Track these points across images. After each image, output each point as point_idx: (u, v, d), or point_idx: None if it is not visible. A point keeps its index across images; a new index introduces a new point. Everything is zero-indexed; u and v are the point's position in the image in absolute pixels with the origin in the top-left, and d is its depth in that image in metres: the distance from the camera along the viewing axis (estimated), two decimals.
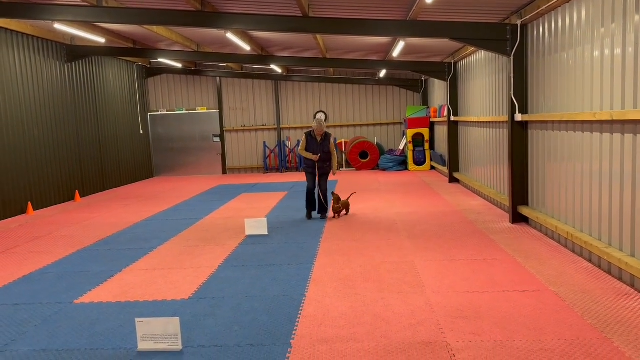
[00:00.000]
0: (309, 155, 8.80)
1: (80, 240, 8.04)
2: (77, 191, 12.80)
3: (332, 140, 8.97)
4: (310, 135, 8.87)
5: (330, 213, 9.16)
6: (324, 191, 8.95)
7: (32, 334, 4.37)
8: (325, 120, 18.27)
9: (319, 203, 9.00)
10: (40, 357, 3.92)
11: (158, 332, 3.90)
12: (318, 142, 8.81)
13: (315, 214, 9.24)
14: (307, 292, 5.16)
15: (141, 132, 17.15)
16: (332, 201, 8.96)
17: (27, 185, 11.06)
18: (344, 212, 9.15)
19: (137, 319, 3.95)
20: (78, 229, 8.93)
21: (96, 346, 4.07)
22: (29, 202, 10.98)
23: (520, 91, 7.74)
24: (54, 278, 6.02)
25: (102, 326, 4.48)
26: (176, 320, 3.91)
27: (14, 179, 10.67)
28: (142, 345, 3.95)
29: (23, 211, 10.88)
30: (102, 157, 14.37)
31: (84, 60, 13.59)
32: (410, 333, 4.07)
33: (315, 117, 18.01)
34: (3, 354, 4.00)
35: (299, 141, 18.34)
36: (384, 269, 5.82)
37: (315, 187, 9.04)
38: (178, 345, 3.92)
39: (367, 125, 17.99)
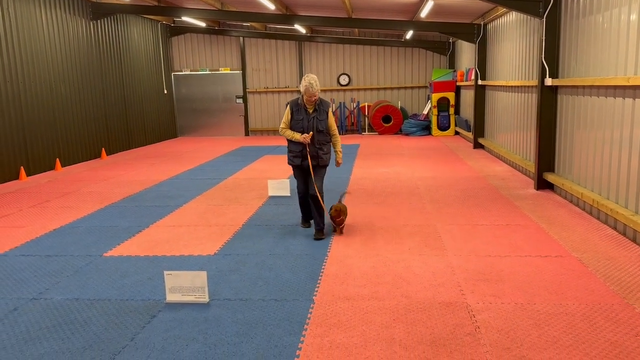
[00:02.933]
0: (295, 136, 5.60)
1: (108, 196, 8.23)
2: (103, 149, 13.02)
3: (331, 112, 5.75)
4: (295, 105, 5.64)
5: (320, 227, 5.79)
6: (317, 194, 5.66)
7: (64, 284, 4.55)
8: (348, 84, 18.11)
9: (313, 212, 5.80)
10: (73, 306, 4.09)
11: (186, 285, 4.03)
12: (309, 114, 5.62)
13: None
14: (329, 251, 5.24)
15: (165, 91, 17.23)
16: (332, 211, 5.73)
17: (55, 142, 11.29)
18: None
19: (165, 272, 4.08)
20: (105, 186, 9.14)
21: (126, 297, 4.23)
22: (57, 159, 11.22)
23: (552, 55, 7.53)
24: (83, 232, 6.22)
25: (131, 278, 4.64)
26: (203, 274, 4.03)
27: (43, 136, 10.89)
28: (171, 297, 4.09)
29: (52, 167, 11.14)
30: (127, 116, 14.52)
31: (108, 18, 13.59)
32: (431, 293, 4.13)
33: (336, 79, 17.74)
34: (38, 301, 4.19)
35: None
36: (406, 232, 5.86)
37: (307, 190, 5.82)
38: (205, 298, 4.05)
39: (391, 88, 17.74)
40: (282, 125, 5.74)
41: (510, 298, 4.00)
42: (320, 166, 5.77)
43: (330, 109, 5.74)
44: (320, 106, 5.65)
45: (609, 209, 5.70)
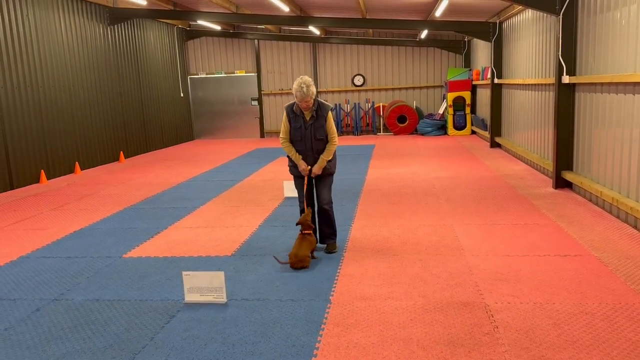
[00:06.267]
0: (293, 155, 5.13)
1: (126, 199, 8.33)
2: (121, 152, 13.18)
3: (331, 116, 5.08)
4: (292, 112, 5.04)
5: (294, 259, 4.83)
6: (325, 206, 5.19)
7: (85, 285, 4.63)
8: (363, 84, 18.09)
9: (320, 227, 5.30)
10: (93, 306, 4.15)
11: (204, 285, 4.07)
12: (306, 121, 5.02)
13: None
14: (345, 252, 5.24)
15: (181, 95, 17.38)
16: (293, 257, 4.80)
17: (74, 146, 11.46)
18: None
19: (184, 273, 4.13)
20: (124, 189, 9.25)
21: (145, 297, 4.29)
22: (77, 162, 11.40)
23: (569, 52, 7.45)
24: (103, 234, 6.31)
25: (151, 279, 4.70)
26: (221, 274, 4.06)
27: (63, 140, 11.06)
28: (189, 297, 4.13)
29: (71, 170, 11.32)
30: (144, 120, 14.69)
31: (125, 23, 13.76)
32: (448, 293, 4.11)
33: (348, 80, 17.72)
34: (60, 302, 4.26)
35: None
36: (422, 232, 5.84)
37: (311, 203, 5.27)
38: (223, 298, 4.09)
39: (406, 88, 17.67)
40: (281, 135, 5.13)
41: (529, 298, 3.97)
42: (324, 175, 5.17)
43: (330, 113, 5.06)
44: (319, 111, 4.99)
45: (629, 208, 5.62)
